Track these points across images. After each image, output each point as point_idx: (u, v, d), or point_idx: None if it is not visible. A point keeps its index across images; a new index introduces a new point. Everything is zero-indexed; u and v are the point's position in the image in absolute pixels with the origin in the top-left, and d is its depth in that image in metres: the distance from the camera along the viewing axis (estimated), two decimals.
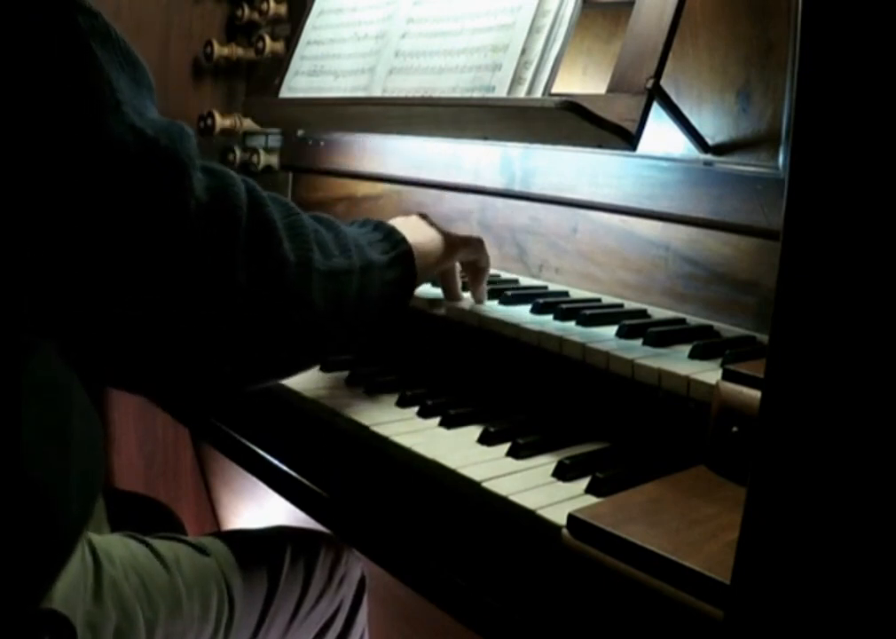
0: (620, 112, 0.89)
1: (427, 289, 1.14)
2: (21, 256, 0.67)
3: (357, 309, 0.86)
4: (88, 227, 0.66)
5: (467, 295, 1.10)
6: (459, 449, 0.85)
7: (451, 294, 1.09)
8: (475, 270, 1.08)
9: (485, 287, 1.09)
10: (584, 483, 0.77)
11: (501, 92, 0.98)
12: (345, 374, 1.06)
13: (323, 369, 1.08)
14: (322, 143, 1.59)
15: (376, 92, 1.16)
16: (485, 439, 0.87)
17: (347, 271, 0.84)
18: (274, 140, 1.68)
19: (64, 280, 0.68)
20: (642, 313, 1.06)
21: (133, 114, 0.67)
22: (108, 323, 0.70)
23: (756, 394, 0.70)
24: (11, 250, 0.66)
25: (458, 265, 1.09)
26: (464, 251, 1.06)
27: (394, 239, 0.95)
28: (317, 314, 0.80)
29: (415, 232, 1.00)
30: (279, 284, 0.76)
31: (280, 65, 1.41)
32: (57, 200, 0.65)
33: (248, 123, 1.63)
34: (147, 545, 1.04)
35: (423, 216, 1.07)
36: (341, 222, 0.91)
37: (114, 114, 0.65)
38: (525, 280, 1.22)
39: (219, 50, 1.65)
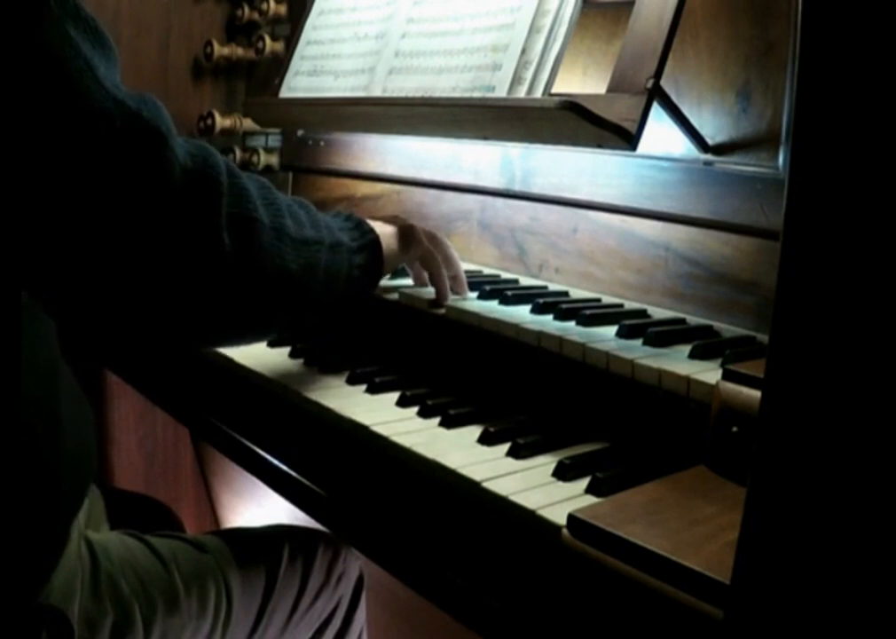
0: (620, 112, 0.89)
1: (427, 289, 1.14)
2: (15, 228, 0.70)
3: (326, 283, 0.92)
4: (81, 196, 0.70)
5: (473, 295, 1.11)
6: (459, 449, 0.85)
7: (439, 290, 1.10)
8: (447, 265, 1.11)
9: (446, 284, 1.09)
10: (584, 483, 0.77)
11: (501, 92, 0.98)
12: (346, 374, 1.06)
13: (323, 369, 1.08)
14: (322, 143, 1.59)
15: (376, 92, 1.16)
16: (485, 439, 0.87)
17: (317, 241, 0.89)
18: (274, 140, 1.68)
19: (57, 248, 0.72)
20: (642, 313, 1.06)
21: (112, 88, 0.70)
22: (99, 283, 0.75)
23: (756, 394, 0.70)
24: (4, 226, 0.69)
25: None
26: (424, 246, 1.09)
27: (363, 228, 1.01)
28: (291, 278, 0.85)
29: (381, 226, 1.05)
30: (257, 245, 0.81)
31: (280, 65, 1.41)
32: (50, 173, 0.68)
33: (248, 123, 1.63)
34: (145, 542, 1.05)
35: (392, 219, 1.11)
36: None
37: (97, 90, 0.69)
38: (525, 280, 1.21)
39: (219, 50, 1.65)
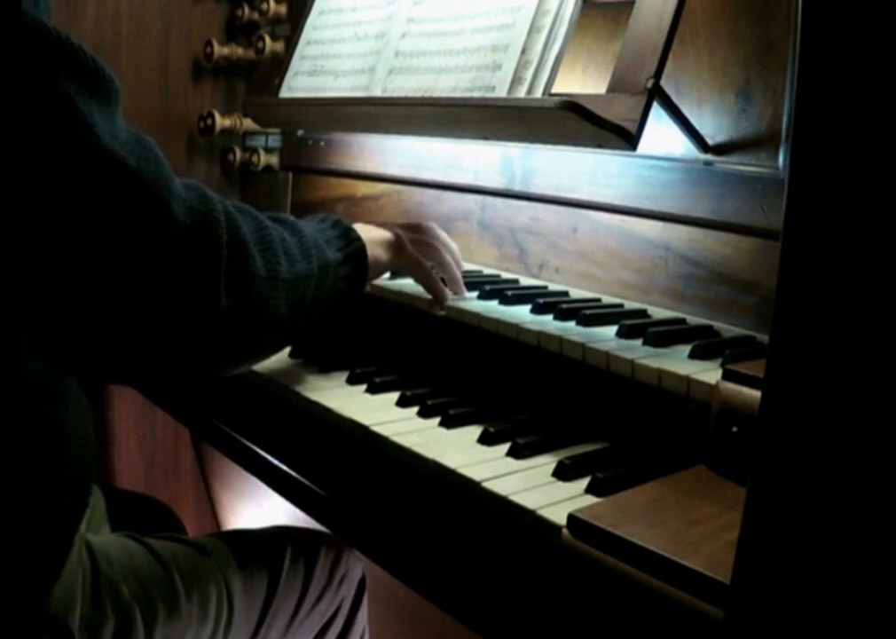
0: (620, 112, 0.89)
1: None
2: (20, 286, 0.69)
3: (313, 305, 0.92)
4: (81, 260, 0.69)
5: (473, 295, 1.11)
6: (459, 449, 0.85)
7: (435, 295, 1.08)
8: (441, 269, 1.11)
9: (457, 283, 1.10)
10: (584, 483, 0.77)
11: (501, 92, 0.98)
12: (346, 373, 1.06)
13: (323, 369, 1.08)
14: (322, 143, 1.59)
15: (376, 92, 1.16)
16: (485, 439, 0.87)
17: (308, 275, 0.90)
18: (274, 140, 1.68)
19: (60, 309, 0.71)
20: (642, 313, 1.06)
21: (111, 143, 0.68)
22: (99, 335, 0.74)
23: (756, 394, 0.70)
24: (9, 277, 0.68)
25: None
26: (409, 256, 1.07)
27: (349, 237, 1.00)
28: (281, 317, 0.86)
29: (368, 231, 1.05)
30: (253, 300, 0.81)
31: (280, 65, 1.41)
32: (52, 237, 0.67)
33: (248, 123, 1.63)
34: (146, 545, 1.04)
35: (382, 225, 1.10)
36: (300, 221, 0.97)
37: (96, 149, 0.67)
38: (525, 280, 1.21)
39: (219, 50, 1.65)
